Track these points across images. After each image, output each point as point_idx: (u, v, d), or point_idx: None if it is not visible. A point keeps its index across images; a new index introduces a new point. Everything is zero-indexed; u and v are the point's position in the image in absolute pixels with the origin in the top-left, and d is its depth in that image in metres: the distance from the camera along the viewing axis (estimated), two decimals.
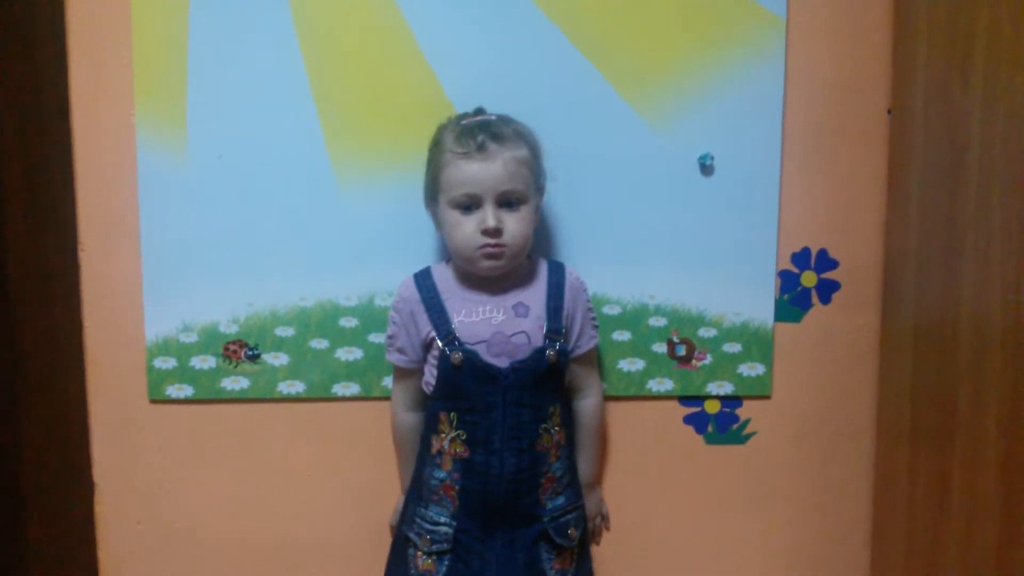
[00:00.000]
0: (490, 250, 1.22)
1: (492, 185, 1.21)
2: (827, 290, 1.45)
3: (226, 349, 1.40)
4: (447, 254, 1.35)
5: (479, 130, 1.22)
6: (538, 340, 1.26)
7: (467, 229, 1.23)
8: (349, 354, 1.41)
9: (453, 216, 1.24)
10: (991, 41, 1.10)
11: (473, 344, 1.24)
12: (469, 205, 1.23)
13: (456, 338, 1.25)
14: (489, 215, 1.21)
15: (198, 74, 1.35)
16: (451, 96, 1.36)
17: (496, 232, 1.21)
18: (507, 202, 1.23)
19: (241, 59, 1.35)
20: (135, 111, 1.35)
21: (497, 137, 1.22)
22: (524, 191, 1.24)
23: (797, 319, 1.45)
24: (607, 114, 1.38)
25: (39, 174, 1.30)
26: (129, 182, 1.36)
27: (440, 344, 1.25)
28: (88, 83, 1.35)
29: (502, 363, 1.24)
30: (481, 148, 1.21)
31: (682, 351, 1.43)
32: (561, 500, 1.30)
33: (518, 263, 1.28)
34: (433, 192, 1.27)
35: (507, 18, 1.35)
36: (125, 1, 1.33)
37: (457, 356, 1.24)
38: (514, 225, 1.23)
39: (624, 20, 1.36)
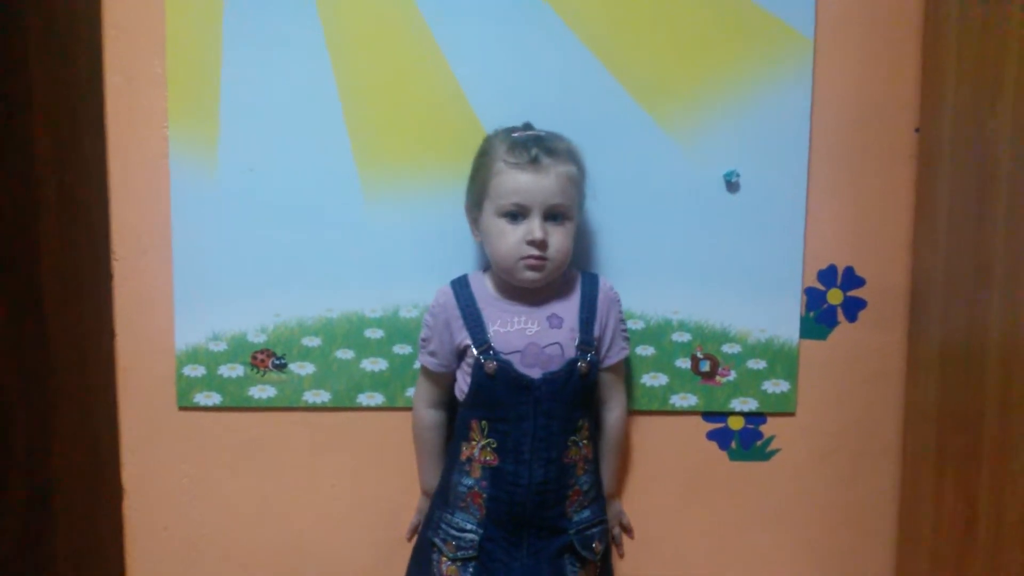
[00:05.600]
0: (533, 261, 1.24)
1: (543, 198, 1.23)
2: (853, 308, 1.44)
3: (254, 358, 1.42)
4: (475, 265, 1.36)
5: (533, 143, 1.24)
6: (571, 351, 1.27)
7: (512, 239, 1.24)
8: (374, 365, 1.42)
9: (499, 225, 1.25)
10: (1021, 61, 1.10)
11: (507, 354, 1.25)
12: (516, 215, 1.24)
13: (491, 347, 1.26)
14: (536, 227, 1.23)
15: (230, 89, 1.37)
16: (478, 113, 1.37)
17: (542, 244, 1.23)
18: (554, 216, 1.24)
19: (273, 75, 1.37)
20: (168, 125, 1.38)
21: (551, 152, 1.24)
22: (570, 207, 1.26)
23: (823, 336, 1.44)
24: (634, 131, 1.38)
25: (73, 185, 1.32)
26: (162, 194, 1.39)
27: (475, 352, 1.26)
28: (122, 97, 1.38)
29: (535, 374, 1.25)
30: (535, 160, 1.23)
31: (706, 367, 1.43)
32: (587, 513, 1.30)
33: (556, 277, 1.29)
34: (478, 199, 1.28)
35: (535, 36, 1.37)
36: (160, 17, 1.36)
37: (491, 365, 1.24)
38: (558, 239, 1.24)
39: (652, 39, 1.37)
